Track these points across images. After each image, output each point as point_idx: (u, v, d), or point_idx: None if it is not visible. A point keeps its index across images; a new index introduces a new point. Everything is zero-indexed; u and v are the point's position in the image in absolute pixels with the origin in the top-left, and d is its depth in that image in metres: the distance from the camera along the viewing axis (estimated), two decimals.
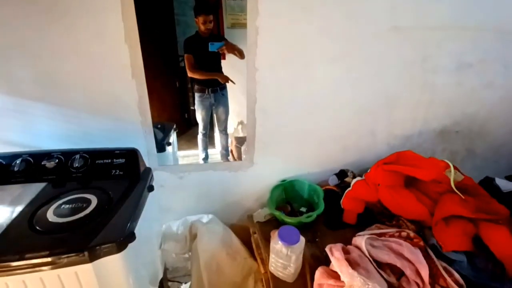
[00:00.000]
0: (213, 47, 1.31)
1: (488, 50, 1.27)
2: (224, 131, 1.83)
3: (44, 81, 0.95)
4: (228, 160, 2.08)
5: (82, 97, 1.00)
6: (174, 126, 1.62)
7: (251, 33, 1.03)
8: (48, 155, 0.90)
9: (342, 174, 1.31)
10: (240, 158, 1.53)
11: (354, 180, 1.21)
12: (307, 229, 1.13)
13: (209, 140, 1.89)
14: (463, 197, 1.04)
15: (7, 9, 0.85)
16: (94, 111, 1.03)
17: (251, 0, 0.98)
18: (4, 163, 0.86)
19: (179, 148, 1.63)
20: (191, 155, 2.76)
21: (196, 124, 1.80)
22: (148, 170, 0.98)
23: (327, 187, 1.29)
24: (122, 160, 0.93)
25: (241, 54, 1.30)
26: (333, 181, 1.30)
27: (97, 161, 0.91)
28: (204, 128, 1.75)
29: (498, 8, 1.19)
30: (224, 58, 1.67)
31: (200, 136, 1.82)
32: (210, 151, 1.99)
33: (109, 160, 0.92)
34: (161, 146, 1.26)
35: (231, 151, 2.11)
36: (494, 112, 1.42)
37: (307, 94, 1.17)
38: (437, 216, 1.01)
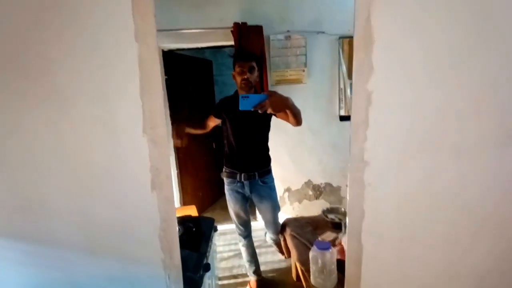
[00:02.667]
0: (245, 102, 0.79)
1: None
2: (273, 233, 1.31)
3: (16, 206, 0.56)
4: (277, 245, 1.53)
5: (74, 227, 0.58)
6: (214, 223, 1.13)
7: (360, 103, 0.57)
8: None
9: None
10: (304, 263, 1.08)
11: None
12: None
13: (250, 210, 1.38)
14: None
15: None
16: (90, 248, 0.60)
17: (360, 48, 0.55)
18: None
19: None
20: (228, 232, 2.22)
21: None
22: None
23: None
24: None
25: (296, 116, 0.86)
26: None
27: None
28: (243, 230, 1.24)
29: None
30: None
31: (242, 243, 1.31)
32: (252, 223, 1.47)
33: None
34: (193, 283, 0.75)
35: (284, 239, 1.56)
36: None
37: (457, 199, 0.64)
38: None
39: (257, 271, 1.37)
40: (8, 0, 0.50)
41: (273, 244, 1.46)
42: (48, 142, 0.55)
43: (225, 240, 2.03)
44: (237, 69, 1.00)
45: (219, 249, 1.83)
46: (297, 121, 0.92)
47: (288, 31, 2.07)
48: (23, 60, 0.52)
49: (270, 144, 1.19)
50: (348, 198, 0.63)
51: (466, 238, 0.67)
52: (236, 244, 1.80)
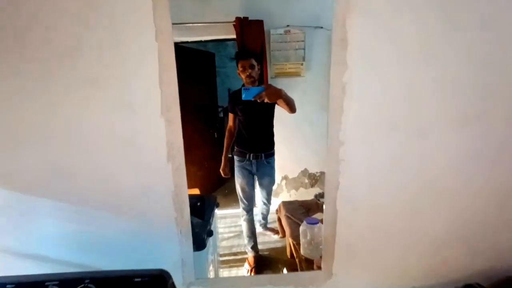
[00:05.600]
0: (247, 93, 0.96)
1: None
2: (267, 203, 1.48)
3: (54, 171, 0.70)
4: (267, 229, 1.69)
5: (102, 190, 0.72)
6: (216, 200, 1.29)
7: (336, 94, 0.70)
8: (40, 285, 0.60)
9: None
10: (295, 238, 1.19)
11: None
12: None
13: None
14: None
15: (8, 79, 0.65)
16: (115, 207, 0.74)
17: (338, 49, 0.68)
18: None
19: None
20: (229, 216, 2.39)
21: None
22: None
23: None
24: None
25: (290, 105, 1.01)
26: None
27: None
28: (246, 206, 1.41)
29: None
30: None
31: (244, 217, 1.48)
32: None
33: None
34: (199, 242, 0.91)
35: (279, 219, 1.71)
36: None
37: (418, 175, 0.77)
38: None
39: (255, 247, 1.53)
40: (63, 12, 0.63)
41: (264, 230, 1.63)
42: (84, 121, 0.68)
43: (226, 223, 2.19)
44: (240, 68, 1.15)
45: (220, 230, 1.99)
46: (291, 108, 1.06)
47: (287, 26, 2.16)
48: (69, 54, 0.65)
49: None
50: (326, 171, 0.77)
51: (428, 208, 0.81)
52: (235, 226, 1.96)
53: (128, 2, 0.63)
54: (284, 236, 1.68)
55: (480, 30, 0.68)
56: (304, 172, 2.52)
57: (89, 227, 0.75)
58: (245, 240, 1.55)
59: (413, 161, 0.76)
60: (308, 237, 1.24)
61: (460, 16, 0.67)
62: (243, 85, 1.28)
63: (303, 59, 2.20)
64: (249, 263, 1.48)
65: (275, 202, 1.70)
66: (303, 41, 2.20)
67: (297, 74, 2.24)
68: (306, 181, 2.53)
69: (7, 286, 0.60)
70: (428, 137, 0.74)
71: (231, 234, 2.09)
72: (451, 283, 0.89)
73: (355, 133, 0.73)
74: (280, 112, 1.22)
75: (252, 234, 1.47)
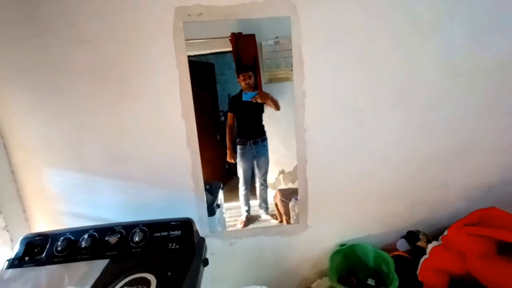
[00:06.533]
0: (246, 96, 1.39)
1: None
2: (264, 182, 1.81)
3: (111, 157, 1.04)
4: (267, 214, 2.00)
5: (143, 169, 1.06)
6: (221, 185, 1.63)
7: (298, 96, 1.04)
8: (111, 229, 0.93)
9: (412, 237, 1.13)
10: (287, 214, 1.46)
11: (431, 246, 1.03)
12: None
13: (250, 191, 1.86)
14: None
15: (80, 91, 0.98)
16: (152, 181, 1.07)
17: (298, 66, 1.01)
18: (73, 238, 0.91)
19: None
20: (233, 207, 2.73)
21: (236, 173, 1.82)
22: (202, 241, 0.95)
23: (395, 253, 1.12)
24: (178, 232, 0.92)
25: (275, 104, 1.36)
26: (402, 245, 1.12)
27: (155, 234, 0.91)
28: (245, 182, 1.75)
29: None
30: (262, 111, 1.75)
31: (242, 191, 1.81)
32: (251, 202, 1.95)
33: (166, 233, 0.92)
34: (210, 210, 1.25)
35: (276, 205, 2.03)
36: None
37: (364, 147, 1.10)
38: None
39: (248, 211, 1.86)
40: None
41: (266, 215, 1.93)
42: (132, 122, 1.02)
43: (231, 214, 2.55)
44: (241, 78, 1.51)
45: (227, 219, 2.32)
46: (276, 106, 1.41)
47: (277, 37, 2.50)
48: (123, 81, 0.99)
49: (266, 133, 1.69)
50: (296, 151, 1.10)
51: (374, 170, 1.13)
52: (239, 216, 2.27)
53: (160, 47, 0.96)
54: (282, 220, 1.99)
55: (392, 49, 1.01)
56: None
57: (134, 196, 1.08)
58: (241, 206, 1.87)
59: (358, 138, 1.09)
60: (296, 210, 1.56)
61: (380, 38, 1.00)
62: (241, 90, 1.67)
63: (292, 65, 2.52)
64: (242, 223, 1.81)
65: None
66: (291, 50, 2.52)
67: (287, 79, 2.54)
68: None
69: (90, 230, 0.93)
70: (366, 120, 1.07)
71: (235, 223, 2.45)
72: (398, 230, 1.20)
73: (314, 122, 1.06)
74: (276, 114, 1.54)
75: (247, 202, 1.80)
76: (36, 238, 0.92)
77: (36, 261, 0.88)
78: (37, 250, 0.91)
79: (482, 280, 0.90)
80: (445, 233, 1.04)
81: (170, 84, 0.99)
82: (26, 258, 0.88)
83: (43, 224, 1.08)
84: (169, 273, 0.80)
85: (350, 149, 1.10)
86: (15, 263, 0.88)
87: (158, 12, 0.94)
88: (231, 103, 1.73)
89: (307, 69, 1.01)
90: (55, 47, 0.92)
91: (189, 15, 0.97)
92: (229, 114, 1.77)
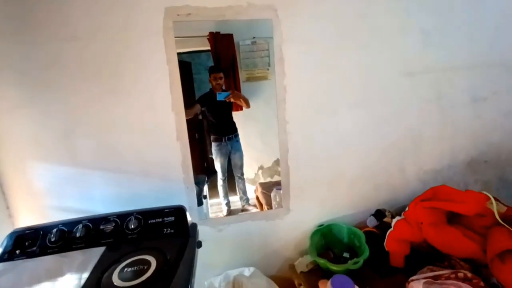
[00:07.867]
0: (220, 96, 1.47)
1: (498, 82, 1.36)
2: (241, 176, 1.91)
3: (102, 151, 1.07)
4: (249, 205, 2.11)
5: (134, 162, 1.09)
6: (206, 179, 1.70)
7: (280, 92, 1.15)
8: (105, 219, 0.96)
9: (379, 214, 1.30)
10: (269, 205, 1.56)
11: (394, 220, 1.20)
12: (354, 276, 1.09)
13: (229, 187, 1.94)
14: (511, 229, 1.02)
15: (72, 87, 1.00)
16: (144, 174, 1.11)
17: (279, 64, 1.13)
18: (66, 230, 0.93)
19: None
20: (215, 204, 2.79)
21: (215, 172, 1.89)
22: (195, 226, 1.02)
23: (366, 229, 1.28)
24: (171, 218, 0.98)
25: (246, 103, 1.47)
26: (371, 222, 1.29)
27: (149, 221, 0.96)
28: (223, 174, 1.83)
29: (499, 45, 1.31)
30: (241, 109, 1.84)
31: (220, 183, 1.89)
32: (231, 197, 2.03)
33: (160, 219, 0.97)
34: (199, 200, 1.31)
35: (257, 197, 2.14)
36: None
37: (336, 138, 1.25)
38: (490, 253, 0.98)
39: (228, 204, 1.94)
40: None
41: (247, 206, 2.03)
42: (124, 116, 1.05)
43: (212, 210, 2.60)
44: (212, 78, 1.57)
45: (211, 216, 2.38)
46: (247, 104, 1.51)
47: (253, 37, 2.61)
48: (115, 77, 1.02)
49: (244, 131, 1.75)
50: (278, 141, 1.21)
51: (343, 157, 1.28)
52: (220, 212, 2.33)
53: (151, 44, 1.01)
54: (263, 210, 2.11)
55: (356, 54, 1.17)
56: (277, 162, 2.98)
57: (127, 189, 1.11)
58: (221, 199, 1.95)
59: (331, 129, 1.23)
60: (278, 199, 1.68)
61: (347, 43, 1.15)
62: (211, 89, 1.74)
63: (269, 65, 2.64)
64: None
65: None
66: (267, 50, 2.64)
67: (264, 78, 2.66)
68: (279, 169, 3.00)
69: (83, 221, 0.95)
70: (338, 114, 1.21)
71: (220, 215, 2.52)
72: (368, 211, 1.36)
73: (295, 115, 1.18)
74: (253, 111, 1.63)
75: (226, 194, 1.88)
76: (26, 231, 0.92)
77: (28, 254, 0.88)
78: (28, 244, 0.91)
79: (435, 245, 1.09)
80: (406, 209, 1.21)
81: (160, 79, 1.05)
82: (17, 252, 0.88)
83: (28, 220, 1.07)
84: (167, 255, 0.86)
85: (324, 140, 1.24)
86: (5, 257, 0.87)
87: (149, 12, 0.99)
88: (200, 99, 1.78)
89: (287, 67, 1.12)
90: (46, 44, 0.93)
91: (178, 15, 1.04)
92: (195, 104, 1.80)
